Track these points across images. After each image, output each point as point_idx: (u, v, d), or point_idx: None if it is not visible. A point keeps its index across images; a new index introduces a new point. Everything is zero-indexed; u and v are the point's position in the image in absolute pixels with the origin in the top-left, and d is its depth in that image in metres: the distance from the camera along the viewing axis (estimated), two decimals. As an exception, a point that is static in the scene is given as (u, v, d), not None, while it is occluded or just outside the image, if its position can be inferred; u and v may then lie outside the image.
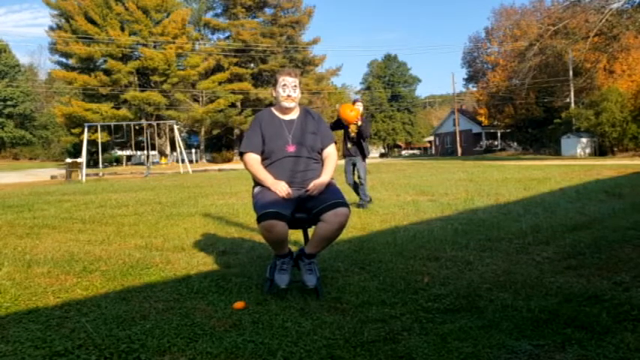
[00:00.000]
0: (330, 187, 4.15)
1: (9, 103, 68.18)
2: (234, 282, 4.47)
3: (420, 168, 26.66)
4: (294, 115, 4.33)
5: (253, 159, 4.22)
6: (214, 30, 58.48)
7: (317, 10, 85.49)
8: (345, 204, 3.95)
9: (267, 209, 3.84)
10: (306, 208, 4.04)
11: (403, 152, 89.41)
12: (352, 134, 9.74)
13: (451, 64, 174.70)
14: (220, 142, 58.79)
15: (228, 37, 56.81)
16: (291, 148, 4.17)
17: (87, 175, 25.16)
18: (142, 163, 47.09)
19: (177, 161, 35.98)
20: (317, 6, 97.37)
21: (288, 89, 4.23)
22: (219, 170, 32.79)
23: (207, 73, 52.50)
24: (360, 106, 9.69)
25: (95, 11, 46.99)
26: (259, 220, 3.86)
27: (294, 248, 5.72)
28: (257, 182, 4.24)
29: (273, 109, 4.38)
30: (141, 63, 48.13)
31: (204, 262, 5.32)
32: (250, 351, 3.00)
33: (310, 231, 4.30)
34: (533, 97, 52.29)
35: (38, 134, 72.53)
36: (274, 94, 4.32)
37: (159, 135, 48.28)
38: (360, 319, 3.50)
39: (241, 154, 4.31)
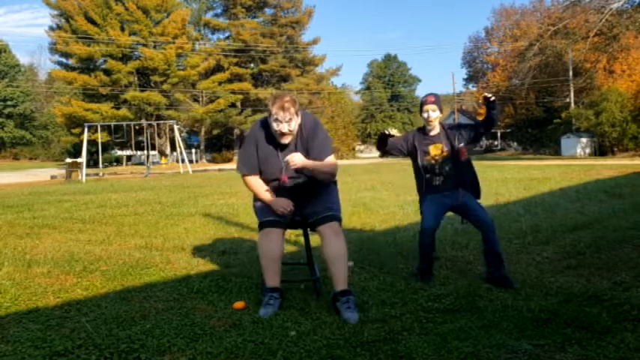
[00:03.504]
0: (327, 192, 4.11)
1: (9, 103, 68.06)
2: (234, 282, 4.48)
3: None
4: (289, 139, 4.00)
5: (252, 180, 4.12)
6: (214, 30, 58.38)
7: (317, 10, 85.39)
8: (337, 217, 3.96)
9: (267, 217, 3.93)
10: (302, 214, 4.06)
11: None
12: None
13: (451, 64, 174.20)
14: (220, 142, 58.72)
15: (228, 37, 56.73)
16: (285, 178, 4.00)
17: (87, 175, 25.15)
18: (142, 163, 47.02)
19: (177, 161, 36.02)
20: (317, 6, 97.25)
21: (281, 125, 3.87)
22: (220, 170, 32.79)
23: (207, 73, 52.41)
24: None
25: (95, 11, 46.90)
26: (260, 226, 3.95)
27: (293, 248, 5.73)
28: None
29: (268, 126, 4.02)
30: (141, 63, 48.03)
31: (204, 262, 5.33)
32: (250, 351, 3.00)
33: (310, 234, 4.30)
34: (533, 97, 52.27)
35: (38, 134, 72.42)
36: (268, 120, 3.97)
37: (159, 135, 48.22)
38: (360, 319, 3.50)
39: (241, 175, 4.18)
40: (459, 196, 4.67)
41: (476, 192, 4.77)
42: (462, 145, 4.65)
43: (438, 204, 4.74)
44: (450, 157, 4.68)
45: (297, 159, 3.79)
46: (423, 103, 4.76)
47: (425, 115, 4.72)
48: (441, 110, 4.77)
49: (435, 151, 4.72)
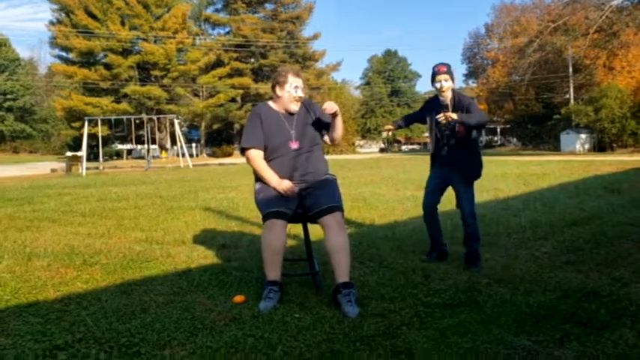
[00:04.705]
0: (329, 185, 4.15)
1: (9, 96, 68.00)
2: (235, 276, 4.48)
3: (419, 163, 26.61)
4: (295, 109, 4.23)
5: (257, 155, 4.12)
6: (215, 25, 58.32)
7: (317, 5, 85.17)
8: (340, 208, 3.99)
9: (271, 208, 3.90)
10: (304, 206, 4.05)
11: (403, 147, 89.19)
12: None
13: (451, 59, 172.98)
14: (220, 137, 58.69)
15: (228, 32, 56.64)
16: (295, 145, 4.11)
17: (87, 168, 25.09)
18: (142, 157, 46.93)
19: (177, 155, 35.92)
20: (317, 1, 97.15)
21: (299, 90, 4.16)
22: (220, 164, 32.74)
23: (208, 68, 52.34)
24: None
25: (95, 5, 46.85)
26: (265, 218, 3.91)
27: (292, 242, 5.74)
28: (259, 178, 4.18)
29: (270, 103, 4.26)
30: (141, 57, 48.00)
31: (205, 256, 5.33)
32: (250, 345, 3.01)
33: (310, 227, 4.31)
34: (532, 93, 52.24)
35: (38, 128, 72.38)
36: (280, 93, 4.17)
37: (159, 129, 48.08)
38: (359, 314, 3.50)
39: (243, 150, 4.18)
40: (455, 175, 4.87)
41: (475, 170, 4.90)
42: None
43: (437, 178, 5.04)
44: (454, 130, 4.82)
45: (332, 104, 4.01)
46: (434, 74, 4.86)
47: (437, 85, 4.85)
48: (453, 80, 4.86)
49: (445, 120, 4.81)
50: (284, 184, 3.97)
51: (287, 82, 4.13)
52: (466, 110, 4.73)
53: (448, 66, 4.87)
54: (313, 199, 4.00)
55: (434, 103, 5.01)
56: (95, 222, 7.85)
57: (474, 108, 4.76)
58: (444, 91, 4.83)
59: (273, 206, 3.91)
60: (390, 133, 5.37)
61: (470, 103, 4.78)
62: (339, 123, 4.16)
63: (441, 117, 4.61)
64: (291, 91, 4.12)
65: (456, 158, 4.84)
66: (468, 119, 4.63)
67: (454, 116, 4.56)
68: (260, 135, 4.12)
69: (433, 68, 4.86)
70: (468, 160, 4.85)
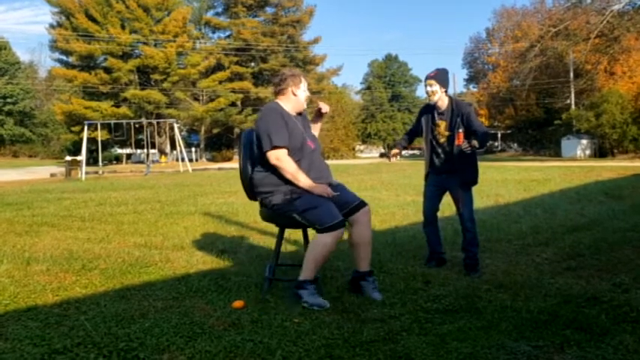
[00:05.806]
0: (342, 185, 4.25)
1: (9, 100, 67.89)
2: (234, 281, 4.47)
3: (420, 168, 26.62)
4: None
5: (289, 156, 3.95)
6: (215, 29, 58.37)
7: (318, 9, 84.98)
8: (365, 202, 4.21)
9: (338, 217, 3.88)
10: None
11: (404, 152, 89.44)
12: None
13: (452, 64, 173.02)
14: (220, 141, 58.66)
15: (228, 36, 56.71)
16: (312, 145, 4.15)
17: (86, 173, 25.09)
18: (141, 162, 47.02)
19: (177, 160, 35.89)
20: (318, 5, 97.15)
21: (307, 90, 4.27)
22: (219, 169, 32.73)
23: (208, 72, 52.36)
24: None
25: (96, 9, 46.86)
26: (334, 227, 3.83)
27: (292, 248, 5.73)
28: (293, 185, 3.95)
29: (281, 104, 4.18)
30: (141, 61, 47.98)
31: (204, 261, 5.32)
32: (249, 350, 3.00)
33: (311, 231, 4.30)
34: (533, 98, 52.21)
35: (38, 132, 72.29)
36: (297, 92, 4.16)
37: (159, 133, 48.11)
38: (359, 319, 3.50)
39: (274, 148, 3.93)
40: (454, 181, 4.89)
41: (473, 176, 4.93)
42: (460, 130, 4.72)
43: (434, 185, 5.07)
44: (452, 138, 4.82)
45: (326, 105, 4.38)
46: (424, 79, 4.93)
47: (427, 89, 4.89)
48: (443, 85, 4.86)
49: (441, 129, 4.90)
50: (327, 190, 3.98)
51: (302, 82, 4.21)
52: (466, 119, 4.72)
53: (439, 71, 4.89)
54: (342, 198, 4.07)
55: (428, 110, 5.02)
56: (94, 227, 7.84)
57: (474, 117, 4.76)
58: (430, 96, 4.86)
59: (337, 215, 3.89)
60: (398, 157, 5.38)
61: (469, 112, 4.76)
62: (320, 125, 4.45)
63: (465, 146, 4.58)
64: (306, 92, 4.25)
65: (454, 165, 4.85)
66: (484, 141, 4.68)
67: (476, 144, 4.57)
68: (287, 134, 3.98)
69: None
70: (466, 166, 4.85)
